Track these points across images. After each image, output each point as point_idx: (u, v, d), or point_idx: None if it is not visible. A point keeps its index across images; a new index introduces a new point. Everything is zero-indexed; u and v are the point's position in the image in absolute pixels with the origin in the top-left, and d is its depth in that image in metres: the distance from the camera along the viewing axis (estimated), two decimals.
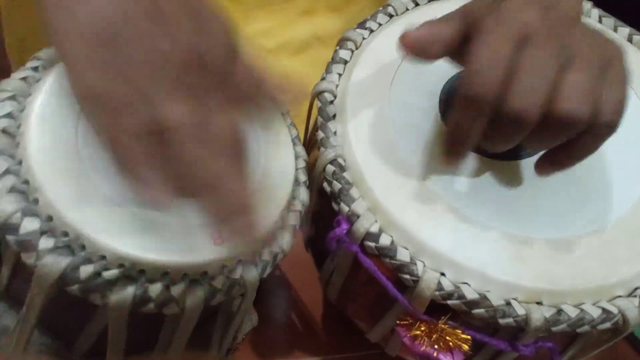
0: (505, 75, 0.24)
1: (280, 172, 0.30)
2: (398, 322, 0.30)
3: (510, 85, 0.24)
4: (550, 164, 0.28)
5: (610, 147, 0.28)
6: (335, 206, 0.30)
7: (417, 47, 0.26)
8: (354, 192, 0.30)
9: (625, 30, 0.37)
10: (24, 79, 0.27)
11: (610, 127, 0.25)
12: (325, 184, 0.31)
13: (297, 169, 0.31)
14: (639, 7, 0.47)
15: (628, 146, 0.31)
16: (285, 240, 0.29)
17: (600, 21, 0.37)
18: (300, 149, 0.32)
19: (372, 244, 0.29)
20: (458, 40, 0.26)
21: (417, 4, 0.37)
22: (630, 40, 0.37)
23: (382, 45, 0.35)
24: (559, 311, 0.27)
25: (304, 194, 0.31)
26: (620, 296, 0.28)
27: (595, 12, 0.37)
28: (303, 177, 0.31)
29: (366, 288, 0.32)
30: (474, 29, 0.26)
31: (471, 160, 0.31)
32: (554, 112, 0.24)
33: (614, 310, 0.27)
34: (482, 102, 0.24)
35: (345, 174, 0.30)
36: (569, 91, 0.24)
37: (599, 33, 0.27)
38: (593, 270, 0.28)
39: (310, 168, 0.32)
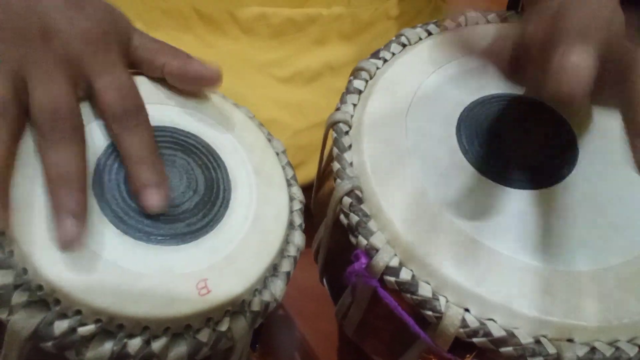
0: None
1: (274, 216, 0.29)
2: None
3: None
4: None
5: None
6: (353, 239, 0.29)
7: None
8: (372, 224, 0.29)
9: None
10: None
11: None
12: (342, 217, 0.30)
13: (291, 212, 0.30)
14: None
15: None
16: (278, 288, 0.28)
17: None
18: (296, 190, 0.31)
19: (392, 279, 0.28)
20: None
21: (430, 34, 0.37)
22: None
23: (397, 74, 0.34)
24: (593, 349, 0.26)
25: (299, 238, 0.29)
26: None
27: None
28: (298, 220, 0.30)
29: (386, 323, 0.31)
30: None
31: (492, 190, 0.30)
32: None
33: None
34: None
35: (362, 206, 0.30)
36: None
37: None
38: (626, 304, 0.26)
39: (326, 199, 0.32)
